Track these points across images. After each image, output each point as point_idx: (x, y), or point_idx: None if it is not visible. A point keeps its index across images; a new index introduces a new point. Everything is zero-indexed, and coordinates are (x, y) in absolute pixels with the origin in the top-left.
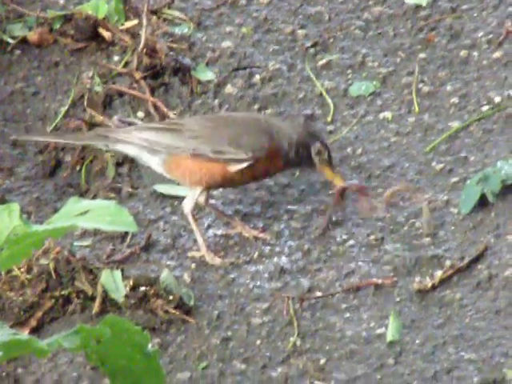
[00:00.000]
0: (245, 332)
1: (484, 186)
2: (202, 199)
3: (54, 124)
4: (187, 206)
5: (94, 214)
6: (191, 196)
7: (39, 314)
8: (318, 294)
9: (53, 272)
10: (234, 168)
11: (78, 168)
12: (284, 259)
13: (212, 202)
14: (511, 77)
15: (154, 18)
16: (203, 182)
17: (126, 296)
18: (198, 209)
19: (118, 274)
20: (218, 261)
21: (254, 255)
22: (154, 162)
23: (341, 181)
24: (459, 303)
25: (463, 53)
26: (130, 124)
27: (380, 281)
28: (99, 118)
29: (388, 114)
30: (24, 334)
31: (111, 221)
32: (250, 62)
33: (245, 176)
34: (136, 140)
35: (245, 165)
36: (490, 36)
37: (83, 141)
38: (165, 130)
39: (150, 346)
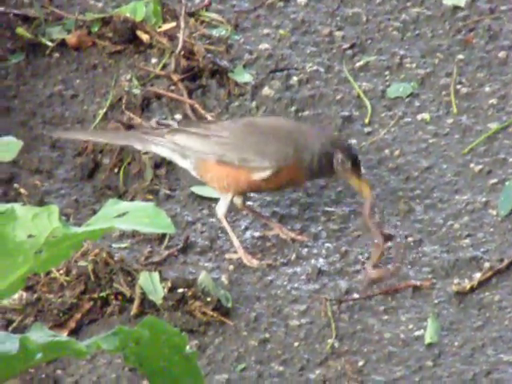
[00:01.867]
0: (283, 334)
1: None
2: (238, 202)
3: (92, 127)
4: (220, 210)
5: (132, 216)
6: (223, 200)
7: (78, 315)
8: (356, 295)
9: (91, 274)
10: (258, 176)
11: (116, 170)
12: (321, 261)
13: (249, 203)
14: None
15: (192, 20)
16: (230, 187)
17: (164, 298)
18: (234, 211)
19: (155, 275)
20: (255, 263)
21: (292, 257)
22: (186, 165)
23: (367, 189)
24: (498, 305)
25: (502, 54)
26: (167, 126)
27: (418, 283)
28: (137, 120)
29: (426, 116)
30: (63, 336)
31: (149, 223)
32: (287, 63)
33: (269, 184)
34: (168, 143)
35: (268, 173)
36: None
37: (119, 140)
38: (195, 135)
39: (188, 347)
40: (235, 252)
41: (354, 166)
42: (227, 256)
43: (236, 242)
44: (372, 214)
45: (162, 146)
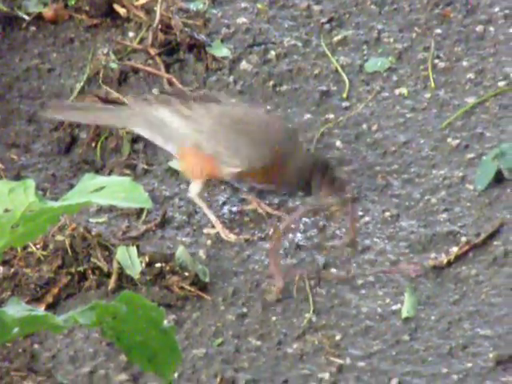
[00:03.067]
0: (260, 308)
1: (500, 162)
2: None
3: (69, 100)
4: (193, 190)
5: (109, 191)
6: (196, 182)
7: (55, 290)
8: (334, 270)
9: (69, 248)
10: (227, 171)
11: (93, 145)
12: (299, 236)
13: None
14: None
15: None
16: (202, 175)
17: (142, 272)
18: (212, 186)
19: (133, 250)
20: (233, 237)
21: (269, 232)
22: (161, 143)
23: (339, 213)
24: (475, 279)
25: (479, 28)
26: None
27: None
28: (114, 94)
29: (404, 90)
30: (40, 310)
31: (126, 197)
32: (265, 38)
33: (239, 180)
34: (150, 117)
35: (236, 171)
36: (507, 11)
37: (104, 121)
38: (176, 115)
39: (165, 322)
40: (213, 227)
41: (334, 192)
42: (205, 231)
43: (212, 217)
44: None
45: (140, 123)
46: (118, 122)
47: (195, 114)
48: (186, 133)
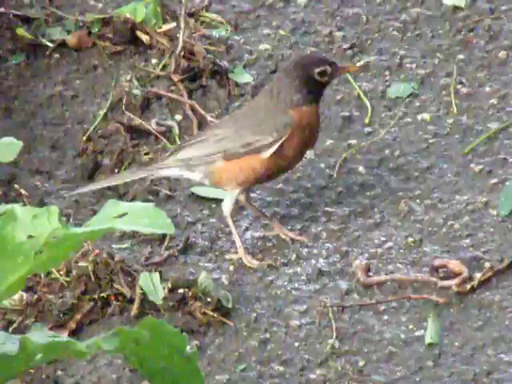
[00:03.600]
0: (283, 334)
1: None
2: (242, 198)
3: (92, 127)
4: (226, 208)
5: (132, 217)
6: (230, 198)
7: (78, 316)
8: (356, 296)
9: (92, 274)
10: (267, 153)
11: (116, 171)
12: (321, 261)
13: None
14: None
15: (192, 20)
16: (245, 179)
17: (165, 298)
18: (236, 210)
19: (156, 276)
20: (255, 263)
21: (292, 257)
22: (197, 177)
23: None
24: (498, 305)
25: (502, 54)
26: (168, 127)
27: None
28: (137, 121)
29: (426, 116)
30: (63, 337)
31: (149, 223)
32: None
33: (282, 158)
34: (172, 163)
35: (275, 146)
36: None
37: (129, 178)
38: (193, 144)
39: (188, 348)
40: (235, 252)
41: (332, 67)
42: (227, 256)
43: (238, 242)
44: None
45: (168, 169)
46: (145, 174)
47: (208, 133)
48: (211, 149)
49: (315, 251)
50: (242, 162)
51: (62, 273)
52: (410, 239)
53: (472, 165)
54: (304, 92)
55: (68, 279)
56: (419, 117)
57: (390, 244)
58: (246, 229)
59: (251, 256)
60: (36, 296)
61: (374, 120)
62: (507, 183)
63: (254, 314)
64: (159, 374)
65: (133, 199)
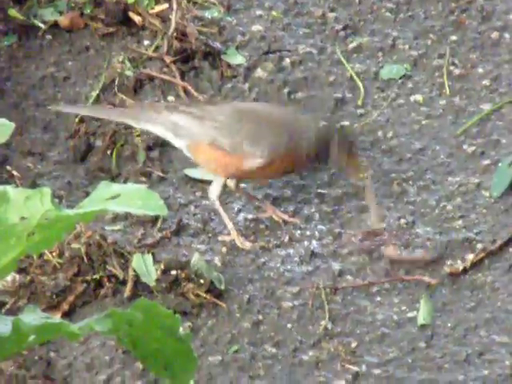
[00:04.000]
0: (275, 316)
1: None
2: (232, 184)
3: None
4: (213, 193)
5: (124, 198)
6: (216, 183)
7: (71, 297)
8: (349, 278)
9: (84, 256)
10: (249, 164)
11: (108, 152)
12: (314, 243)
13: (242, 185)
14: None
15: (184, 1)
16: (221, 172)
17: (157, 280)
18: (227, 193)
19: (149, 258)
20: (248, 245)
21: (285, 239)
22: (179, 145)
23: (364, 172)
24: (491, 286)
25: (494, 35)
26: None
27: (427, 279)
28: (130, 102)
29: (419, 97)
30: (56, 318)
31: (142, 205)
32: (280, 45)
33: (260, 174)
34: (163, 121)
35: (259, 162)
36: None
37: (115, 116)
38: (190, 115)
39: (181, 329)
40: (228, 234)
41: (350, 152)
42: (220, 238)
43: (229, 224)
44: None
45: (156, 124)
46: (130, 119)
47: (209, 113)
48: (202, 131)
49: (308, 233)
50: (223, 157)
51: (54, 254)
52: (403, 220)
53: (465, 146)
54: (312, 156)
55: (61, 261)
56: (412, 98)
57: (382, 225)
58: (239, 211)
59: (244, 238)
60: (29, 277)
61: (367, 101)
62: (500, 164)
63: (247, 296)
64: (152, 356)
65: (125, 181)
